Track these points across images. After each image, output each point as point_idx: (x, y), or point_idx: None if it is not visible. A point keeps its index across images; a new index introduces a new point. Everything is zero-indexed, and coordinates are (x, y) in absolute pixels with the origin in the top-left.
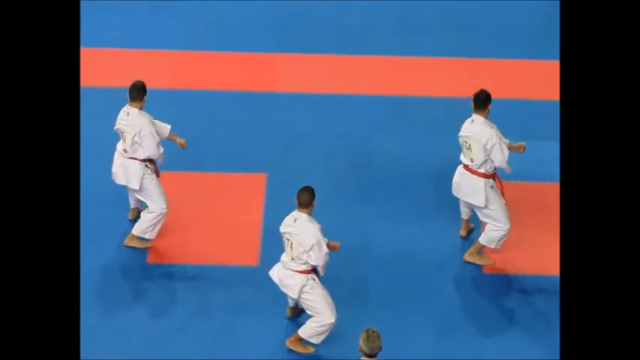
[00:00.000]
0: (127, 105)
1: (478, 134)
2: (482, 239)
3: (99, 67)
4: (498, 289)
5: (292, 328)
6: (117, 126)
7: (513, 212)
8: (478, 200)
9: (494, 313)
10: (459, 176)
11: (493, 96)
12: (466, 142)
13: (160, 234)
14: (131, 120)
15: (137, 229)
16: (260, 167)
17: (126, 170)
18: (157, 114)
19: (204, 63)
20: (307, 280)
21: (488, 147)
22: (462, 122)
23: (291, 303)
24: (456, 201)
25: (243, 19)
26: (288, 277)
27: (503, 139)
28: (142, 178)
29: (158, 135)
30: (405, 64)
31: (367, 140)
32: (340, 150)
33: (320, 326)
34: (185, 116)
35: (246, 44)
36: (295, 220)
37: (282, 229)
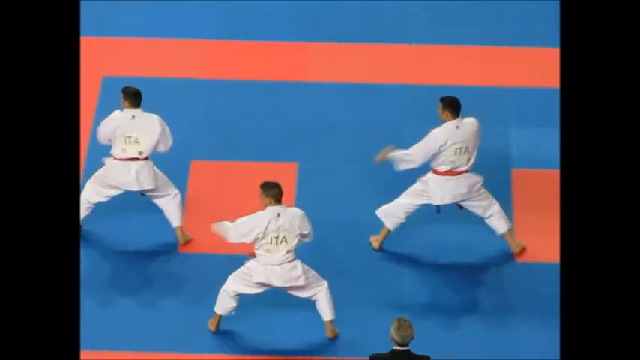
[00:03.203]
0: (129, 109)
1: (472, 135)
2: (504, 226)
3: (128, 56)
4: (521, 277)
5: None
6: (128, 133)
7: (530, 200)
8: (476, 192)
9: (515, 300)
10: (452, 183)
11: (517, 84)
12: (461, 149)
13: (191, 223)
14: (143, 122)
15: (178, 220)
16: (291, 156)
17: (142, 174)
18: (188, 104)
19: (235, 52)
20: (300, 262)
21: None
22: (493, 111)
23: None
24: (489, 189)
25: (273, 8)
26: (290, 270)
27: None
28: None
29: None
30: (435, 52)
31: (398, 129)
32: (370, 139)
33: (328, 293)
34: (216, 106)
35: (277, 33)
36: (279, 215)
37: (270, 231)
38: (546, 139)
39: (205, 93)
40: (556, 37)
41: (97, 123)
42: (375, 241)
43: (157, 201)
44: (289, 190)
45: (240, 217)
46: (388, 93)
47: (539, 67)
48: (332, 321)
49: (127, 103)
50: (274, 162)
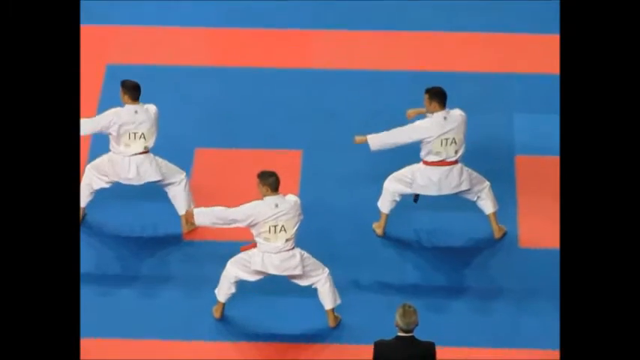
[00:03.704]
0: (130, 104)
1: (459, 126)
2: (491, 207)
3: (132, 44)
4: (526, 263)
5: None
6: (134, 130)
7: (534, 186)
8: (467, 184)
9: (524, 287)
10: (440, 174)
11: (522, 70)
12: (447, 139)
13: None
14: (146, 116)
15: (185, 207)
16: (296, 144)
17: (142, 167)
18: (192, 91)
19: (239, 39)
20: (299, 251)
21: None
22: (497, 97)
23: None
24: (493, 176)
25: None
26: (287, 259)
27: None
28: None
29: None
30: (440, 39)
31: (402, 116)
32: (376, 126)
33: (330, 282)
34: (221, 93)
35: (281, 20)
36: (277, 205)
37: (269, 220)
38: (550, 125)
39: (210, 80)
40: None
41: (101, 111)
42: (377, 227)
43: (165, 189)
44: (293, 177)
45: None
46: (392, 80)
47: (543, 54)
48: (334, 309)
49: (126, 97)
50: (278, 149)
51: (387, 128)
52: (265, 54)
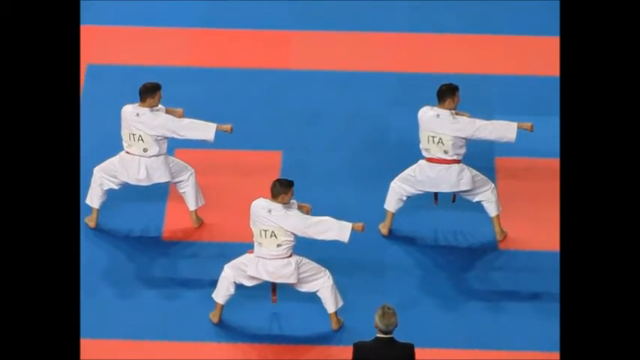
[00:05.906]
0: (137, 106)
1: (449, 130)
2: (494, 210)
3: (113, 44)
4: (505, 265)
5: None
6: (133, 130)
7: (513, 188)
8: (467, 184)
9: (502, 288)
10: (437, 171)
11: (501, 71)
12: (434, 138)
13: (174, 211)
14: (144, 119)
15: (194, 203)
16: (275, 145)
17: (151, 168)
18: (172, 92)
19: (219, 40)
20: (296, 259)
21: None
22: (477, 99)
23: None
24: None
25: None
26: (282, 267)
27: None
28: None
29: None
30: (420, 40)
31: (383, 117)
32: (355, 127)
33: (330, 285)
34: (200, 94)
35: (261, 21)
36: (270, 211)
37: (259, 223)
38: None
39: (190, 81)
40: (543, 25)
41: (82, 111)
42: (383, 227)
43: (175, 186)
44: (273, 178)
45: (224, 205)
46: (373, 81)
47: (522, 55)
48: (337, 312)
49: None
50: (258, 150)
51: (368, 130)
52: (246, 54)
